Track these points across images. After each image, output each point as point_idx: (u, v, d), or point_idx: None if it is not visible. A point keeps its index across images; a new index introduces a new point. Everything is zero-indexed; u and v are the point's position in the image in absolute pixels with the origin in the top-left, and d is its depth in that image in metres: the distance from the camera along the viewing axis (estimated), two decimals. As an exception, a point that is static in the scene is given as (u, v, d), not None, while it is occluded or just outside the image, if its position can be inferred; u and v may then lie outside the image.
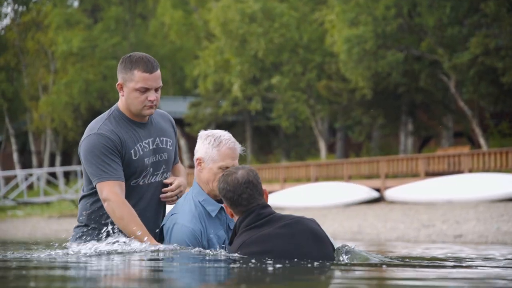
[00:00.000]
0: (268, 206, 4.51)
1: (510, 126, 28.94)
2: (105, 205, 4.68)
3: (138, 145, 4.80)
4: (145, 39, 39.52)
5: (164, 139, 4.94)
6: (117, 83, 4.80)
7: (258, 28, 30.50)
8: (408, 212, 18.46)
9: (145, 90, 4.71)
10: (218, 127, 37.49)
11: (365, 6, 25.88)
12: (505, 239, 13.71)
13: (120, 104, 4.84)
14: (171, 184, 4.97)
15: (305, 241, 4.41)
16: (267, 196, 4.55)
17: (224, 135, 4.83)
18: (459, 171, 22.07)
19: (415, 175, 23.39)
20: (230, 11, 30.82)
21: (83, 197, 4.92)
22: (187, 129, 35.37)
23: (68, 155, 43.32)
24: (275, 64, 31.76)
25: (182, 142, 36.96)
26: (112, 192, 4.65)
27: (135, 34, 39.17)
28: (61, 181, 35.73)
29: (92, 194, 4.84)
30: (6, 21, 43.09)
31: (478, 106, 27.59)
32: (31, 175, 37.56)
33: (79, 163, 42.10)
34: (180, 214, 4.78)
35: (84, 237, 4.88)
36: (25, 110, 43.06)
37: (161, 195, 4.94)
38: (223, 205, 4.72)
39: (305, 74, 30.65)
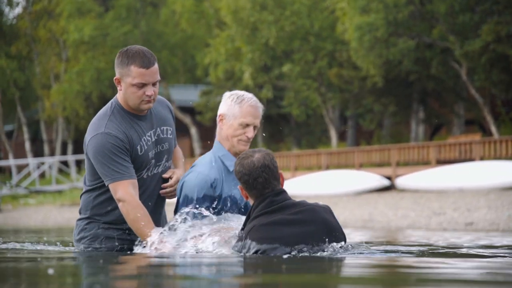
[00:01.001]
0: (283, 191, 4.49)
1: (521, 113, 28.83)
2: (119, 205, 4.68)
3: (142, 139, 4.81)
4: (156, 27, 39.52)
5: (165, 128, 4.95)
6: (115, 78, 4.79)
7: (269, 16, 30.46)
8: (419, 200, 18.45)
9: (142, 85, 4.70)
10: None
11: (376, -6, 25.78)
12: (516, 226, 13.69)
13: (119, 97, 4.84)
14: (170, 178, 4.99)
15: (316, 231, 4.38)
16: (283, 180, 4.53)
17: (247, 94, 4.93)
18: (471, 159, 22.04)
19: (426, 163, 23.37)
20: (241, -1, 30.79)
21: (86, 191, 4.94)
22: (198, 118, 35.40)
23: (80, 143, 43.43)
24: (286, 52, 31.72)
25: (193, 131, 37.01)
26: (127, 193, 4.66)
27: (146, 22, 39.17)
28: (73, 169, 35.86)
29: (96, 188, 4.86)
30: (18, 10, 43.25)
31: (490, 93, 27.50)
32: (43, 163, 37.72)
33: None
34: (199, 165, 4.88)
35: (88, 229, 4.91)
36: (37, 99, 43.19)
37: (161, 191, 4.98)
38: None
39: (316, 62, 30.61)
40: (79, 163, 38.13)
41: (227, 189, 4.81)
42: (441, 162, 22.89)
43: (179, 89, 39.79)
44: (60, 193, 33.53)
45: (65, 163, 37.82)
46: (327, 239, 4.39)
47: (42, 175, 39.58)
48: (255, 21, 30.74)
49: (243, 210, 4.83)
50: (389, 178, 22.98)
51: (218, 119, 4.91)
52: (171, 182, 4.97)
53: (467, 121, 31.45)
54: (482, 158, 21.80)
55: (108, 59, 37.84)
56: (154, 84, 4.75)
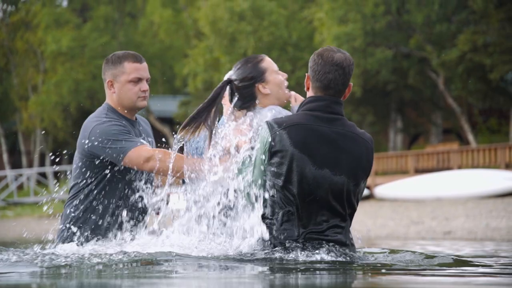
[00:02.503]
0: (342, 104, 4.27)
1: (498, 122, 29.08)
2: (150, 164, 4.54)
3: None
4: (135, 38, 39.47)
5: (150, 140, 4.99)
6: (107, 81, 4.81)
7: (247, 26, 30.53)
8: (398, 209, 18.53)
9: (138, 80, 4.76)
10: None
11: (354, 4, 25.95)
12: (493, 235, 13.79)
13: (111, 102, 4.85)
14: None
15: (341, 166, 4.15)
16: (348, 93, 4.32)
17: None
18: (448, 168, 22.17)
19: (404, 172, 23.48)
20: (219, 10, 30.84)
21: (72, 198, 4.89)
22: (177, 128, 35.31)
23: (58, 155, 43.21)
24: (265, 62, 31.78)
25: (172, 141, 36.92)
26: (149, 150, 4.57)
27: (125, 33, 39.12)
28: (51, 181, 35.67)
29: (79, 194, 4.82)
30: (-5, 21, 42.97)
31: (467, 102, 27.71)
32: (21, 175, 37.50)
33: (69, 163, 42.07)
34: None
35: (70, 237, 4.86)
36: (14, 110, 42.95)
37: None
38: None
39: (294, 72, 30.70)
40: (57, 175, 37.94)
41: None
42: (419, 171, 23.02)
43: (157, 100, 39.72)
44: (38, 205, 33.33)
45: (43, 174, 37.62)
46: (345, 180, 4.15)
47: (20, 187, 39.33)
48: (233, 31, 30.79)
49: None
50: (367, 187, 23.07)
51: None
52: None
53: (444, 130, 31.65)
54: (459, 167, 21.93)
55: (86, 70, 37.74)
56: (147, 81, 4.81)
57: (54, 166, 38.54)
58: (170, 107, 37.01)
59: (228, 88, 4.56)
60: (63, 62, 38.10)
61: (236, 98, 4.52)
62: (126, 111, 4.84)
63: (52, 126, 39.23)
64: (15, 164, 43.92)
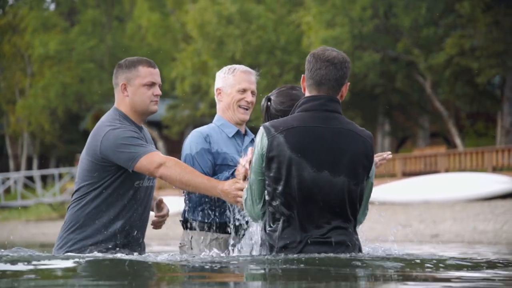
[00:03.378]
0: (338, 102, 4.25)
1: (485, 126, 29.20)
2: (160, 170, 4.56)
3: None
4: (122, 42, 39.42)
5: (152, 145, 5.03)
6: (120, 84, 4.83)
7: (235, 30, 30.54)
8: (385, 212, 18.56)
9: (152, 84, 4.82)
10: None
11: (342, 8, 26.00)
12: (481, 238, 13.85)
13: (123, 106, 4.86)
14: (161, 206, 5.11)
15: (340, 166, 4.12)
16: (345, 92, 4.31)
17: (237, 65, 5.10)
18: (436, 171, 22.23)
19: (392, 176, 23.54)
20: (207, 13, 30.84)
21: (78, 200, 4.84)
22: (165, 132, 35.31)
23: (46, 158, 43.10)
24: (253, 66, 31.71)
25: (160, 145, 36.91)
26: (164, 156, 4.61)
27: (112, 37, 39.07)
28: (38, 184, 35.56)
29: (85, 196, 4.80)
30: (-18, 25, 42.81)
31: (454, 106, 27.80)
32: (8, 179, 37.34)
33: (56, 166, 41.93)
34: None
35: (74, 241, 4.82)
36: (1, 114, 42.79)
37: (154, 220, 5.06)
38: (239, 128, 4.92)
39: (282, 75, 30.73)
40: (44, 178, 37.83)
41: (225, 149, 4.85)
42: (406, 174, 23.07)
43: (145, 103, 39.56)
44: (25, 209, 33.21)
45: (30, 178, 37.48)
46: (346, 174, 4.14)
47: (7, 191, 39.14)
48: (221, 35, 30.80)
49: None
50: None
51: (216, 94, 5.03)
52: (164, 212, 5.07)
53: (432, 133, 31.75)
54: (447, 170, 22.00)
55: (73, 74, 37.67)
56: (159, 86, 4.89)
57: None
58: (158, 111, 36.84)
59: (266, 104, 4.68)
60: (51, 66, 38.02)
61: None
62: (136, 117, 4.87)
63: (39, 130, 39.12)
64: (2, 167, 43.74)
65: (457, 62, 23.95)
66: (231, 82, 5.00)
